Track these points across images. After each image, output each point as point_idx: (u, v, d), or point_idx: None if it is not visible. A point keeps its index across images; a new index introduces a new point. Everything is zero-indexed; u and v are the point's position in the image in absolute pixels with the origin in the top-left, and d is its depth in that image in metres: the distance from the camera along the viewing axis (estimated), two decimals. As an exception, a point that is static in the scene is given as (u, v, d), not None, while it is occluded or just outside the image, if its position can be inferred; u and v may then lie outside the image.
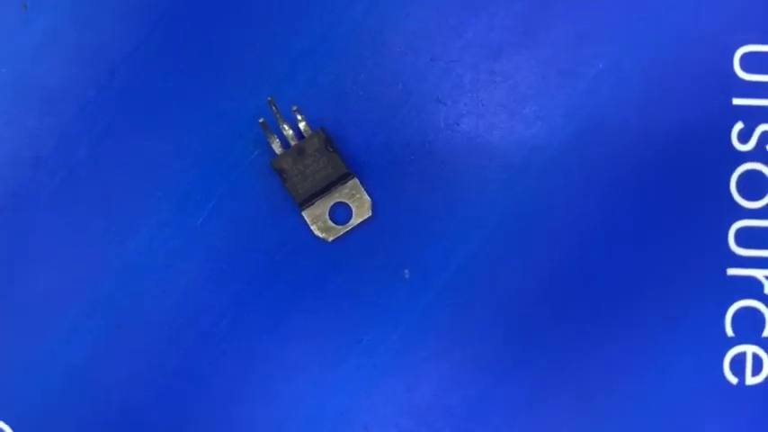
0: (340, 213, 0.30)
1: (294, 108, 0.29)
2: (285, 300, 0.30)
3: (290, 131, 0.30)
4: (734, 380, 0.29)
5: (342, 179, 0.30)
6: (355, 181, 0.30)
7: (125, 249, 0.30)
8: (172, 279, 0.30)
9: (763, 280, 0.29)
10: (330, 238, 0.30)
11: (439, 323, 0.30)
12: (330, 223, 0.30)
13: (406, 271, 0.30)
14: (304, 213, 0.30)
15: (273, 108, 0.29)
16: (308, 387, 0.30)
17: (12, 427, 0.30)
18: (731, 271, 0.29)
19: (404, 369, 0.30)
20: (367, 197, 0.30)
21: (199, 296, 0.30)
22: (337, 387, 0.30)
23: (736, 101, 0.30)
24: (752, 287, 0.29)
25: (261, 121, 0.29)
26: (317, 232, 0.30)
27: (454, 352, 0.30)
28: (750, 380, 0.29)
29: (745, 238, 0.29)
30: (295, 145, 0.30)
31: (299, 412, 0.30)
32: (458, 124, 0.30)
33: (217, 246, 0.30)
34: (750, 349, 0.29)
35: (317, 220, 0.30)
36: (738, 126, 0.30)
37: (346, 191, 0.30)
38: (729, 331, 0.29)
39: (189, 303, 0.30)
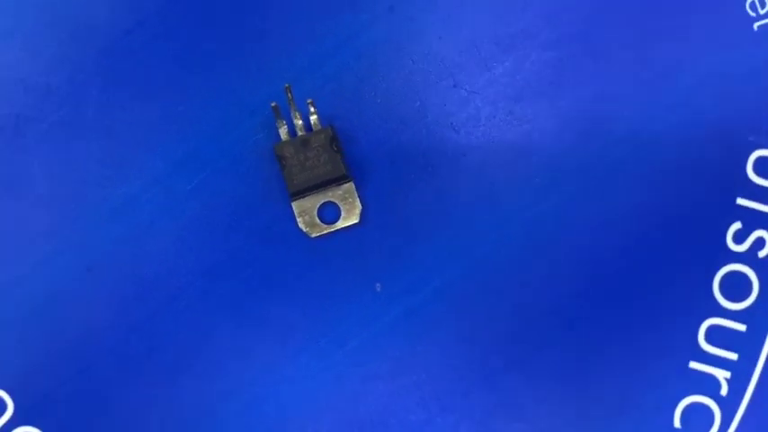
0: (329, 213, 0.30)
1: (309, 100, 0.29)
2: (254, 283, 0.30)
3: (300, 122, 0.30)
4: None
5: (338, 180, 0.30)
6: (351, 185, 0.30)
7: (112, 196, 0.30)
8: (150, 236, 0.30)
9: (723, 381, 0.29)
10: (313, 234, 0.30)
11: (396, 346, 0.30)
12: (317, 220, 0.30)
13: (378, 285, 0.30)
14: (293, 204, 0.30)
15: (289, 95, 0.29)
16: (255, 373, 0.30)
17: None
18: (693, 365, 0.29)
19: (349, 381, 0.30)
20: (358, 203, 0.30)
21: (171, 259, 0.30)
22: (283, 381, 0.30)
23: (741, 201, 0.30)
24: (710, 385, 0.29)
25: (273, 105, 0.29)
26: (301, 225, 0.30)
27: (400, 378, 0.30)
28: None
29: (716, 336, 0.29)
30: (301, 135, 0.30)
31: (241, 396, 0.30)
32: (464, 155, 0.30)
33: (201, 214, 0.30)
34: (693, 445, 0.29)
35: (304, 213, 0.30)
36: (736, 226, 0.29)
37: (340, 192, 0.30)
38: (677, 422, 0.29)
39: (161, 263, 0.30)
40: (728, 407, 0.29)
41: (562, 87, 0.30)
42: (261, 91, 0.31)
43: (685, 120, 0.30)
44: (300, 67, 0.31)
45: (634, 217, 0.30)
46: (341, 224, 0.30)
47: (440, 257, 0.30)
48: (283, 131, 0.30)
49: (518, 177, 0.30)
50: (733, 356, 0.29)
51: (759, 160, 0.30)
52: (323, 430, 0.30)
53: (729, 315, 0.29)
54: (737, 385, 0.29)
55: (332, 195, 0.30)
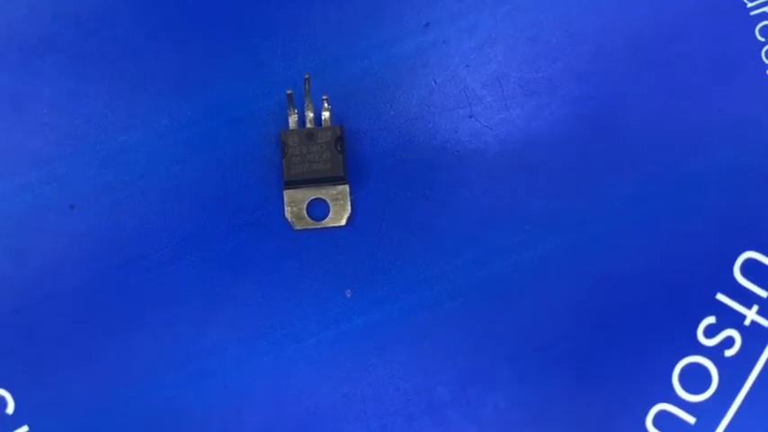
0: (318, 210, 0.30)
1: (324, 96, 0.29)
2: (227, 260, 0.30)
3: (312, 115, 0.30)
4: None
5: (335, 180, 0.30)
6: (346, 188, 0.30)
7: (110, 141, 0.30)
8: (137, 189, 0.30)
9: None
10: (297, 227, 0.30)
11: (350, 355, 0.30)
12: (304, 213, 0.30)
13: (349, 291, 0.30)
14: (285, 192, 0.30)
15: (306, 86, 0.29)
16: (207, 346, 0.30)
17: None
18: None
19: (297, 376, 0.30)
20: (349, 208, 0.30)
21: (153, 217, 0.30)
22: (232, 360, 0.30)
23: (720, 296, 0.30)
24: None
25: (288, 91, 0.29)
26: (288, 215, 0.30)
27: (347, 387, 0.30)
28: None
29: (665, 423, 0.29)
30: (309, 128, 0.30)
31: (187, 366, 0.30)
32: (463, 186, 0.30)
33: (192, 181, 0.30)
34: None
35: (293, 204, 0.30)
36: (709, 320, 0.29)
37: (333, 193, 0.30)
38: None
39: (141, 218, 0.30)
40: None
41: (574, 143, 0.30)
42: (282, 75, 0.31)
43: (691, 205, 0.30)
44: (326, 60, 0.31)
45: (618, 280, 0.30)
46: (327, 223, 0.30)
47: (415, 279, 0.30)
48: (293, 120, 0.30)
49: (511, 221, 0.30)
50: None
51: (748, 262, 0.30)
52: (259, 415, 0.30)
53: (683, 405, 0.29)
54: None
55: (325, 193, 0.30)
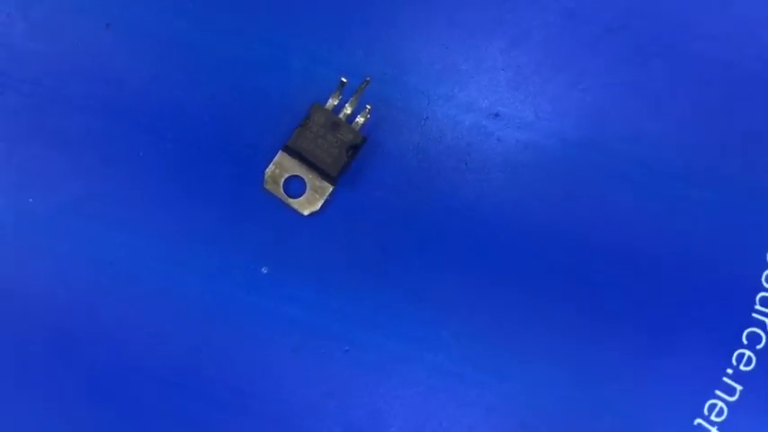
0: (294, 187, 0.31)
1: (368, 106, 0.30)
2: (193, 194, 0.31)
3: (349, 111, 0.30)
4: None
5: (325, 176, 0.30)
6: (330, 189, 0.30)
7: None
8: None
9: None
10: (266, 186, 0.30)
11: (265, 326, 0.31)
12: (280, 181, 0.30)
13: (265, 268, 0.30)
14: (279, 153, 0.30)
15: (361, 87, 0.29)
16: (161, 278, 0.30)
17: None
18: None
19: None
20: (319, 206, 0.30)
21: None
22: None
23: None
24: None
25: (343, 80, 0.29)
26: (267, 172, 0.30)
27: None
28: None
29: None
30: (339, 118, 0.30)
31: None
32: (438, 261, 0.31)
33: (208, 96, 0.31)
34: None
35: (278, 167, 0.30)
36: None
37: (317, 184, 0.30)
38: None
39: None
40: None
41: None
42: (344, 62, 0.31)
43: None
44: (396, 77, 0.31)
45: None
46: (291, 204, 0.30)
47: (329, 288, 0.31)
48: (331, 102, 0.30)
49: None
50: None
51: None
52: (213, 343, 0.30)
53: None
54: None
55: (309, 179, 0.30)
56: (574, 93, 0.31)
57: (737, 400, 0.30)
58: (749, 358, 0.30)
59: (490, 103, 0.31)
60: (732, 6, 0.31)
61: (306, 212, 0.30)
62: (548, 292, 0.30)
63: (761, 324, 0.30)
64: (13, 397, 0.30)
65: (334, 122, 0.30)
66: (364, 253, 0.30)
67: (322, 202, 0.30)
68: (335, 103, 0.30)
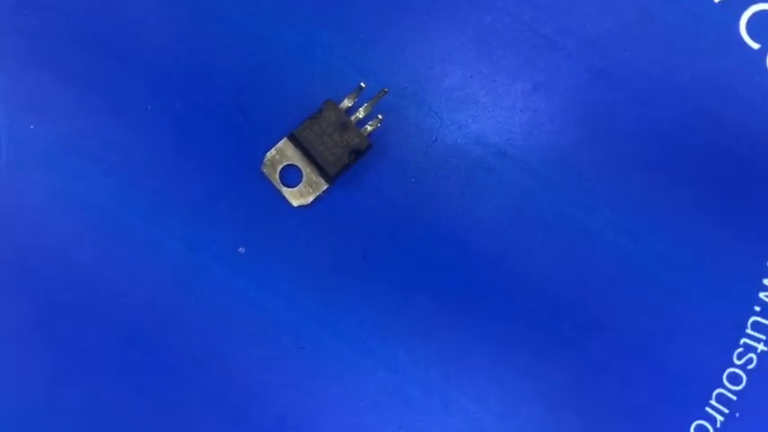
0: (290, 176, 0.31)
1: (380, 116, 0.30)
2: (191, 159, 0.31)
3: (361, 116, 0.30)
4: None
5: (323, 173, 0.30)
6: (325, 186, 0.30)
7: None
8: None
9: None
10: (263, 169, 0.30)
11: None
12: (278, 167, 0.30)
13: (242, 248, 0.30)
14: (284, 139, 0.30)
15: (378, 95, 0.29)
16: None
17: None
18: None
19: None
20: (310, 200, 0.30)
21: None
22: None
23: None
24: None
25: (362, 84, 0.29)
26: (267, 156, 0.30)
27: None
28: None
29: None
30: (350, 120, 0.30)
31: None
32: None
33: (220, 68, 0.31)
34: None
35: (280, 153, 0.30)
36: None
37: (312, 178, 0.30)
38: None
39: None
40: None
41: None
42: (365, 65, 0.31)
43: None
44: (414, 92, 0.31)
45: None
46: (284, 192, 0.30)
47: (304, 283, 0.31)
48: (345, 103, 0.30)
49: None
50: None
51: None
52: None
53: None
54: None
55: (307, 173, 0.30)
56: (584, 150, 0.31)
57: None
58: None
59: (501, 140, 0.31)
60: None
61: (295, 203, 0.30)
62: (517, 331, 0.30)
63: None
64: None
65: (344, 123, 0.30)
66: (344, 257, 0.30)
67: (314, 197, 0.30)
68: (349, 104, 0.30)
